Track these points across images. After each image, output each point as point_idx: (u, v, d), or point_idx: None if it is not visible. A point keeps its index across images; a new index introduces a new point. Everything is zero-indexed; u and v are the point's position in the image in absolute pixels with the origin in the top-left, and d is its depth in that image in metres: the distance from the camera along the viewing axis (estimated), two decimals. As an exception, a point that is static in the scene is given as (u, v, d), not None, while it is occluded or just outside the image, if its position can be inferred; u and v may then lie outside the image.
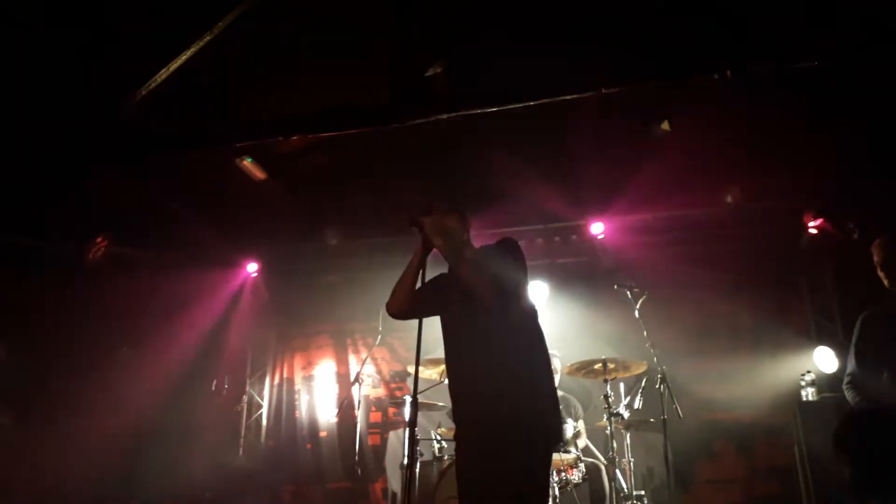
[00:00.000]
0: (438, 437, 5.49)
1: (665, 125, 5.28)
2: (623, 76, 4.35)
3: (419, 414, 5.35)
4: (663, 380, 5.08)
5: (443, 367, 3.88)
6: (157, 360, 6.95)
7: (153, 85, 4.77)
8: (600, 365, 5.25)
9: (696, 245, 6.75)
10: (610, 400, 5.15)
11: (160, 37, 4.74)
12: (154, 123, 5.05)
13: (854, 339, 3.58)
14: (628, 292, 5.52)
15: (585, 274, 6.97)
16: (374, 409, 7.50)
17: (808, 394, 5.75)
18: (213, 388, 7.73)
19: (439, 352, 3.13)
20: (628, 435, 5.44)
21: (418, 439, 5.21)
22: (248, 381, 7.94)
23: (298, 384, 7.94)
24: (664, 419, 5.02)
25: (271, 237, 7.36)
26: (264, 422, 7.80)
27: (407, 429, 5.25)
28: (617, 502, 5.01)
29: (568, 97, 4.40)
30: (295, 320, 8.11)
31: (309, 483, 7.40)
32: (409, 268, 3.08)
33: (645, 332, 5.33)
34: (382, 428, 7.39)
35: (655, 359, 5.19)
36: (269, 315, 8.05)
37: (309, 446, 7.58)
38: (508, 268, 2.96)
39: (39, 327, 6.50)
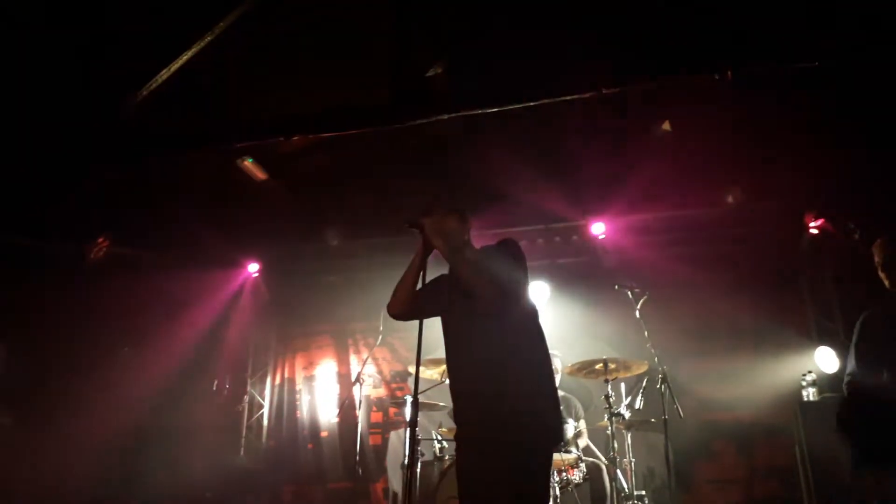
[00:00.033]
0: (439, 437, 5.48)
1: (665, 125, 5.28)
2: (623, 76, 4.36)
3: (420, 414, 5.39)
4: (664, 380, 5.10)
5: (444, 367, 3.88)
6: (157, 360, 6.96)
7: (154, 85, 4.77)
8: (601, 365, 5.25)
9: (697, 245, 6.76)
10: (611, 400, 5.15)
11: (161, 37, 4.74)
12: (154, 123, 5.05)
13: (854, 339, 3.57)
14: (629, 292, 5.53)
15: (586, 274, 6.96)
16: (375, 409, 7.50)
17: (809, 394, 5.75)
18: (214, 388, 7.73)
19: (440, 352, 3.13)
20: (629, 435, 5.44)
21: (419, 439, 5.22)
22: (249, 381, 7.94)
23: (300, 384, 7.95)
24: (665, 419, 5.04)
25: (272, 237, 7.36)
26: (265, 422, 7.81)
27: (408, 429, 5.24)
28: (618, 502, 5.00)
29: (568, 97, 4.40)
30: (296, 320, 8.11)
31: (310, 483, 7.40)
32: (410, 268, 3.08)
33: (646, 333, 5.33)
34: (383, 428, 7.40)
35: (656, 359, 5.20)
36: (270, 315, 8.06)
37: (310, 446, 7.59)
38: (509, 268, 2.96)
39: (39, 327, 6.51)
